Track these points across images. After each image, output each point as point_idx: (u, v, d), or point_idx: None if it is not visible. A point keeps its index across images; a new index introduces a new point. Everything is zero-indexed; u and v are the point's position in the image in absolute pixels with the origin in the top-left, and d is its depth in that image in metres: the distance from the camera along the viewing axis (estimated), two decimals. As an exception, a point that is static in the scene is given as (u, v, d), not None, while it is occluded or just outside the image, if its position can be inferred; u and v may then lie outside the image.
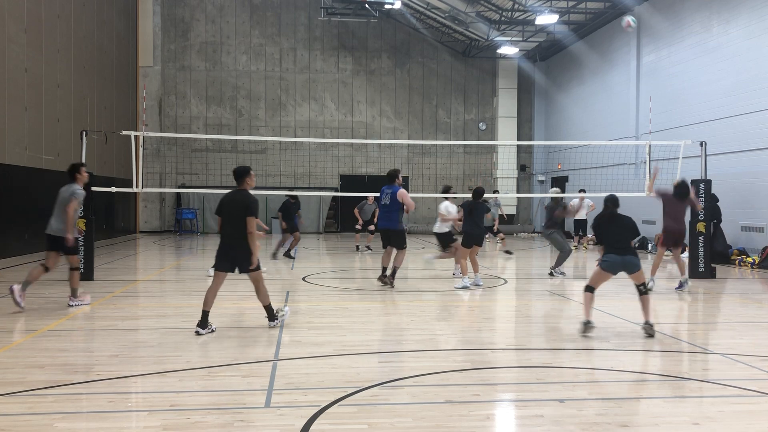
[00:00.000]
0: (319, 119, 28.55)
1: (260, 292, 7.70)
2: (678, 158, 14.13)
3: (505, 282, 12.58)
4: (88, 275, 11.86)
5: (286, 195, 17.20)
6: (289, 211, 16.25)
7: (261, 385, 5.49)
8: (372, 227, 18.69)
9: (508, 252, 18.30)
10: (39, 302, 9.59)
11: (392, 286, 11.16)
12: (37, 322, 8.04)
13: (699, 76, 18.26)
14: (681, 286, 11.18)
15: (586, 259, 17.90)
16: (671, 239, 11.22)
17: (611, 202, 8.00)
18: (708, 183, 13.35)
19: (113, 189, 14.72)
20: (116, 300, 9.92)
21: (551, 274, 13.35)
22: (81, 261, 10.56)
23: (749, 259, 15.45)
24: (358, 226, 18.96)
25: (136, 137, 13.48)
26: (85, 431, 4.47)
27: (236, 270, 7.59)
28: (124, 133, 13.92)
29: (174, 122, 27.66)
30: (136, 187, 13.44)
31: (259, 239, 7.55)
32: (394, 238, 11.30)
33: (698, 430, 4.53)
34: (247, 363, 6.15)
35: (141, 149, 13.47)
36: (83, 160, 12.53)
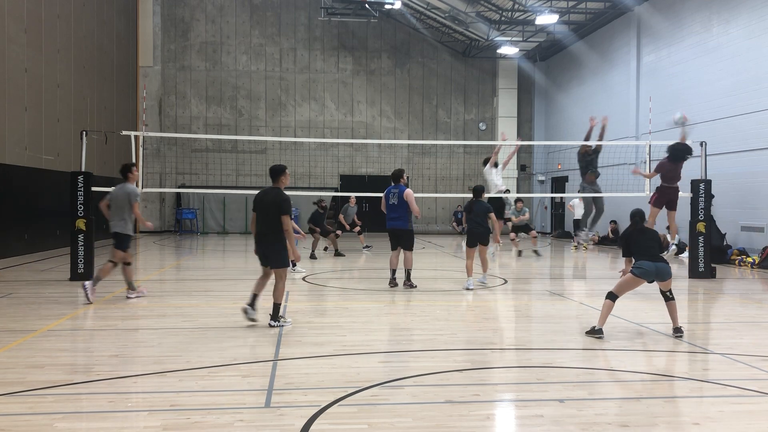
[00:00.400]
0: (319, 119, 28.55)
1: (278, 289, 7.87)
2: (678, 158, 14.08)
3: (505, 282, 12.58)
4: (88, 275, 11.85)
5: (314, 203, 17.93)
6: (316, 219, 17.21)
7: (261, 385, 5.49)
8: (357, 228, 18.80)
9: (536, 252, 17.96)
10: (39, 302, 9.59)
11: (414, 286, 11.16)
12: (37, 322, 8.04)
13: (699, 76, 18.26)
14: (668, 248, 11.56)
15: (586, 259, 17.89)
16: (665, 197, 11.52)
17: (639, 216, 7.97)
18: (708, 183, 13.34)
19: (113, 189, 14.68)
20: (116, 300, 9.92)
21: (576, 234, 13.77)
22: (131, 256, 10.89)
23: (749, 259, 15.45)
24: (339, 232, 18.27)
25: (136, 137, 13.47)
26: (85, 431, 4.47)
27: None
28: (124, 133, 13.92)
29: (174, 122, 27.65)
30: (137, 187, 13.41)
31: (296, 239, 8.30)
32: (405, 238, 11.25)
33: (698, 430, 4.52)
34: (247, 363, 6.15)
35: (141, 149, 13.47)
36: (83, 160, 12.55)
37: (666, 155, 11.94)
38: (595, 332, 7.42)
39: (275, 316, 7.85)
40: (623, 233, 8.00)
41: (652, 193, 12.39)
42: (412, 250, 11.32)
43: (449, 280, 12.82)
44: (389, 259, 11.58)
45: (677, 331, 7.53)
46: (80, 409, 4.93)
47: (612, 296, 7.54)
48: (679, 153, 11.70)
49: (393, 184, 11.36)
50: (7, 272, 13.08)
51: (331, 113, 28.68)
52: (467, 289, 11.04)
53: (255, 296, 7.96)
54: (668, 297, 7.67)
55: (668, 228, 12.64)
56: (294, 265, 13.47)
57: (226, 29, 28.07)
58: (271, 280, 8.04)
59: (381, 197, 11.54)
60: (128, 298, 9.87)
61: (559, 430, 4.47)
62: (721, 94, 17.29)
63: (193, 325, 8.11)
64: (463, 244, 12.63)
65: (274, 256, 7.81)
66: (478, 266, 12.00)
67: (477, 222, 11.39)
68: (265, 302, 8.41)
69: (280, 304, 7.87)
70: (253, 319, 7.90)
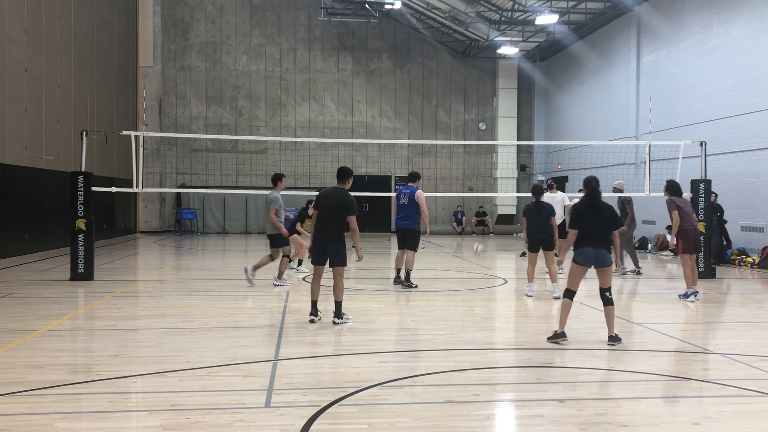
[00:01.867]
0: (319, 119, 28.55)
1: (338, 287, 8.13)
2: (678, 158, 14.12)
3: (505, 282, 12.58)
4: (88, 275, 11.86)
5: (308, 202, 17.51)
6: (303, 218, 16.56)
7: (261, 385, 5.49)
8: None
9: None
10: (39, 302, 9.59)
11: (415, 286, 11.17)
12: (37, 322, 8.04)
13: (699, 76, 18.27)
14: (687, 296, 10.33)
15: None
16: (691, 241, 10.28)
17: (596, 182, 7.25)
18: (708, 183, 13.34)
19: (113, 189, 14.72)
20: (116, 300, 9.92)
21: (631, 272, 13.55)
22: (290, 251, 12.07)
23: (749, 259, 15.45)
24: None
25: (136, 137, 13.48)
26: (85, 431, 4.47)
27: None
28: (124, 133, 13.93)
29: (174, 122, 27.65)
30: (136, 187, 13.44)
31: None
32: (410, 238, 11.28)
33: (698, 430, 4.52)
34: (247, 363, 6.15)
35: (141, 149, 13.47)
36: (83, 160, 12.54)
37: (669, 191, 10.53)
38: (557, 336, 7.01)
39: (338, 313, 8.09)
40: (576, 205, 7.34)
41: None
42: (415, 250, 11.32)
43: (450, 280, 12.82)
44: (395, 257, 11.60)
45: (613, 339, 6.96)
46: (80, 409, 4.93)
47: (570, 294, 7.12)
48: (675, 189, 10.37)
49: (406, 184, 11.44)
50: (7, 272, 13.08)
51: (331, 113, 28.68)
52: (527, 296, 10.54)
53: (315, 303, 8.25)
54: (607, 299, 7.05)
55: (668, 228, 12.56)
56: (299, 263, 13.51)
57: (226, 29, 28.07)
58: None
59: (381, 197, 11.61)
60: (274, 285, 11.20)
61: (559, 430, 4.47)
62: (721, 94, 17.29)
63: (193, 325, 8.11)
64: (524, 249, 12.23)
65: (337, 254, 8.06)
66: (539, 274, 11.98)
67: (542, 224, 10.44)
68: (300, 303, 8.38)
69: (341, 302, 8.13)
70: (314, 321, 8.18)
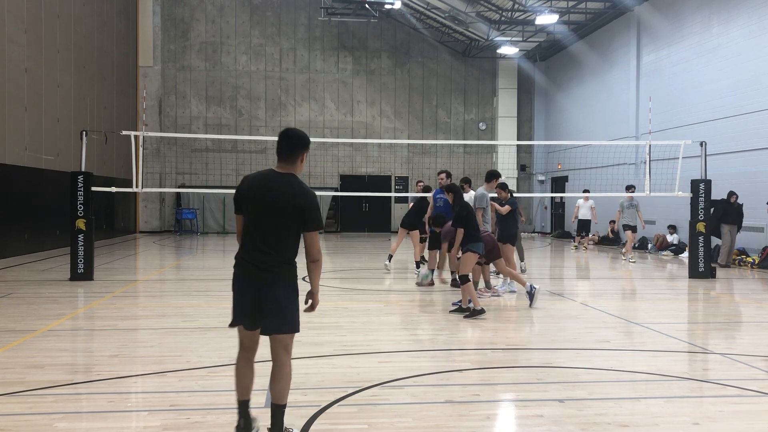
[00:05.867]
0: (319, 119, 28.55)
1: (282, 376, 4.54)
2: (678, 158, 14.12)
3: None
4: (87, 275, 11.86)
5: None
6: None
7: (261, 385, 5.47)
8: None
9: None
10: (39, 302, 9.59)
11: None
12: (37, 322, 8.04)
13: (699, 76, 18.26)
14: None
15: (588, 258, 17.89)
16: None
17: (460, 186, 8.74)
18: (708, 183, 13.34)
19: (113, 189, 14.71)
20: (116, 300, 9.92)
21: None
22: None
23: (749, 259, 15.45)
24: None
25: (136, 137, 13.47)
26: (85, 431, 4.47)
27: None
28: (124, 133, 13.92)
29: (174, 122, 27.65)
30: (136, 187, 13.44)
31: None
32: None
33: (698, 430, 4.52)
34: (247, 363, 6.14)
35: (141, 149, 13.47)
36: (83, 160, 12.53)
37: None
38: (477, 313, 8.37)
39: (279, 426, 6.37)
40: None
41: None
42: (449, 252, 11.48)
43: (450, 280, 12.82)
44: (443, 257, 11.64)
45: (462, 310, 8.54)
46: (80, 409, 4.93)
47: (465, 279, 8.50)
48: None
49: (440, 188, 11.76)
50: (7, 272, 13.08)
51: (331, 113, 28.68)
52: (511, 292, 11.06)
53: (246, 404, 6.63)
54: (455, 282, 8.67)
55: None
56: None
57: (226, 29, 28.07)
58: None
59: (382, 197, 11.69)
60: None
61: (559, 430, 4.47)
62: (721, 94, 17.29)
63: (193, 325, 8.11)
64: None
65: (280, 309, 4.80)
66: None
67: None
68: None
69: (285, 406, 6.28)
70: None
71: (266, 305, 4.14)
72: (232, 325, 4.29)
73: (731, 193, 15.37)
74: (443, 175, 12.08)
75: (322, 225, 4.28)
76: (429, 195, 12.66)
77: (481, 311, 8.50)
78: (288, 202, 4.11)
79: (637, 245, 20.49)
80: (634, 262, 16.29)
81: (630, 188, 16.94)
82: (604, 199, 20.56)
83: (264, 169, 4.35)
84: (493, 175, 11.11)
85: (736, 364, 6.31)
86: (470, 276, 8.70)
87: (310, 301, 4.28)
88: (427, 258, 12.57)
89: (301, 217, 4.10)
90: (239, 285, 4.22)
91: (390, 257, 13.49)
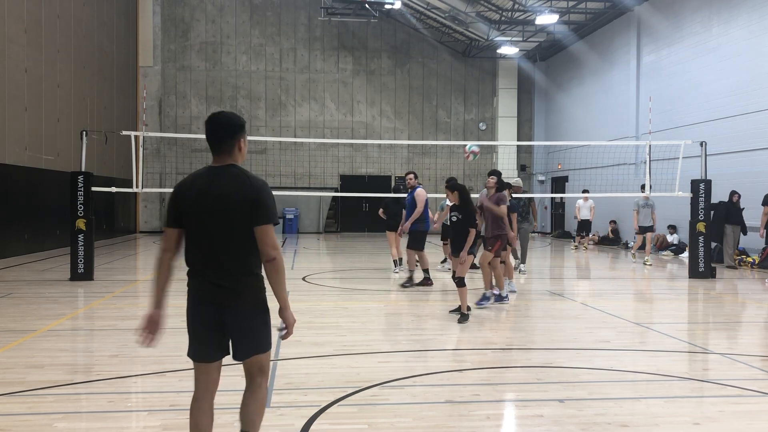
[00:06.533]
0: (319, 119, 28.55)
1: (254, 420, 4.34)
2: (678, 158, 14.13)
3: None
4: (88, 275, 11.86)
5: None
6: None
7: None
8: None
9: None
10: (39, 302, 9.59)
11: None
12: (37, 322, 8.04)
13: (699, 76, 18.26)
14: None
15: (587, 258, 17.89)
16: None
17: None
18: (708, 183, 13.34)
19: (113, 189, 14.71)
20: (116, 300, 9.92)
21: None
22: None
23: (749, 259, 15.44)
24: None
25: (136, 137, 13.47)
26: (85, 431, 4.47)
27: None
28: (124, 133, 13.92)
29: (174, 122, 27.65)
30: (136, 187, 13.44)
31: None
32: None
33: (698, 430, 4.52)
34: (247, 363, 6.14)
35: (141, 149, 13.47)
36: (83, 160, 12.53)
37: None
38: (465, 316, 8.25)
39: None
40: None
41: None
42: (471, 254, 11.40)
43: (450, 280, 12.81)
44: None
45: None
46: (80, 409, 4.93)
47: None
48: None
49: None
50: (7, 272, 13.08)
51: (331, 113, 28.68)
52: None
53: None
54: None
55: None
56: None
57: (226, 29, 28.07)
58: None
59: (381, 197, 11.66)
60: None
61: (559, 430, 4.47)
62: (721, 94, 17.29)
63: (193, 325, 8.10)
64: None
65: (248, 331, 4.20)
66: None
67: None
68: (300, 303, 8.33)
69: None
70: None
71: (232, 329, 3.52)
72: (192, 357, 3.61)
73: (733, 193, 15.26)
74: (411, 176, 12.02)
75: (276, 219, 3.55)
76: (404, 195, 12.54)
77: (467, 315, 8.39)
78: (234, 197, 3.43)
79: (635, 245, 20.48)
80: (650, 264, 15.77)
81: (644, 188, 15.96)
82: (604, 199, 20.56)
83: (200, 168, 3.68)
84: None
85: (736, 364, 6.31)
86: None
87: (284, 329, 3.64)
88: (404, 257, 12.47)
89: (251, 211, 3.43)
90: (195, 309, 3.57)
91: (398, 261, 13.40)
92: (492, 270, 9.61)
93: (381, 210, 13.73)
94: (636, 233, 16.38)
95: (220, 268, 3.46)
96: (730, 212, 15.28)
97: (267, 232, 3.46)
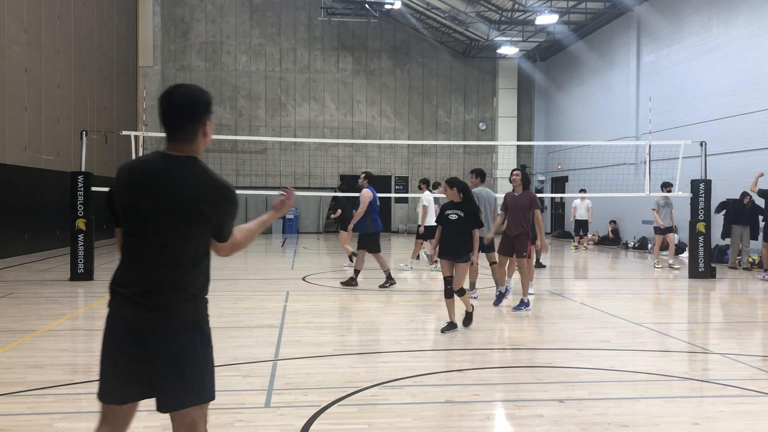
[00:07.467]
0: (319, 119, 28.55)
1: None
2: (678, 158, 14.12)
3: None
4: (88, 275, 11.86)
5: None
6: None
7: (261, 385, 5.49)
8: None
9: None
10: (39, 302, 9.59)
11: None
12: (37, 322, 8.04)
13: (699, 76, 18.26)
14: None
15: (587, 258, 17.89)
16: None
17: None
18: (708, 183, 13.33)
19: (113, 189, 14.68)
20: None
21: None
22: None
23: (750, 259, 15.43)
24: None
25: (136, 137, 13.47)
26: (85, 431, 4.47)
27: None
28: (124, 133, 13.92)
29: (174, 122, 27.62)
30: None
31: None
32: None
33: (698, 430, 4.52)
34: (247, 363, 6.14)
35: (141, 149, 13.47)
36: (83, 160, 12.52)
37: None
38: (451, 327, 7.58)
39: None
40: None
41: None
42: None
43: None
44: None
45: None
46: (80, 409, 4.93)
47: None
48: None
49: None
50: (7, 272, 13.08)
51: (331, 113, 28.68)
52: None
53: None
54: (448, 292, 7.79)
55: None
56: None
57: (226, 29, 28.07)
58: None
59: (381, 197, 11.57)
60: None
61: (559, 430, 4.47)
62: (721, 94, 17.29)
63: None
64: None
65: (186, 371, 3.47)
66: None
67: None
68: (300, 303, 8.30)
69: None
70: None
71: (157, 366, 2.72)
72: (101, 399, 2.95)
73: (744, 194, 14.94)
74: (362, 176, 11.61)
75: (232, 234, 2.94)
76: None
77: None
78: (188, 198, 2.67)
79: (637, 245, 20.49)
80: (678, 268, 14.71)
81: (666, 186, 15.29)
82: (604, 199, 20.55)
83: (149, 153, 2.90)
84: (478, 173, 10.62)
85: (736, 364, 6.31)
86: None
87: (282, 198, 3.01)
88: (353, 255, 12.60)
89: (209, 222, 2.71)
90: (112, 335, 2.84)
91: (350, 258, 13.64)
92: (509, 269, 9.43)
93: (339, 211, 14.65)
94: (655, 234, 15.68)
95: (154, 290, 2.71)
96: (738, 213, 15.17)
97: (223, 248, 2.91)
